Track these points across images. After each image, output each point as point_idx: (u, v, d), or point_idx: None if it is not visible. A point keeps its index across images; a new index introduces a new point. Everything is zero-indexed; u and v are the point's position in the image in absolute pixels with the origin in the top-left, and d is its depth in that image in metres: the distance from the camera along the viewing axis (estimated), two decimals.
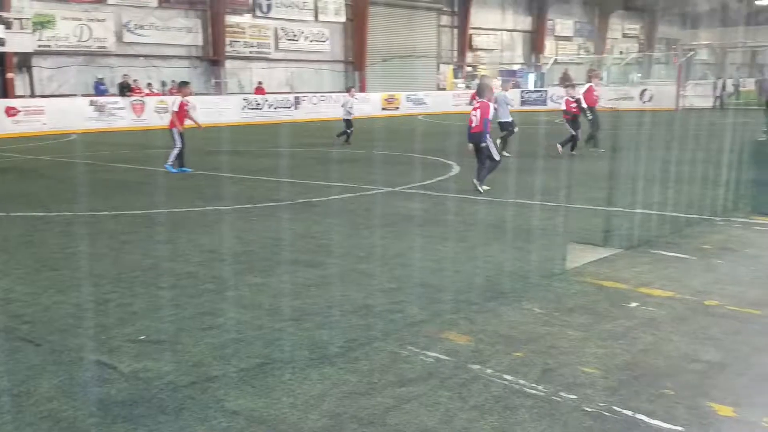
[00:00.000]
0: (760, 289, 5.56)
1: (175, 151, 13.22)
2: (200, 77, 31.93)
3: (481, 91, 10.85)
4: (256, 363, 4.22)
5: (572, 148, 15.01)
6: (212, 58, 32.42)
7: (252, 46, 34.29)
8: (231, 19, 32.77)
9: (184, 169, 13.27)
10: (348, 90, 21.02)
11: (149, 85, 28.96)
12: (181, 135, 13.26)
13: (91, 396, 3.81)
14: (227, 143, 18.51)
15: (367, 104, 32.87)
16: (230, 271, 6.27)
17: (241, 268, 6.37)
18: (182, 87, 14.06)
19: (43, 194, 11.11)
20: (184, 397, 3.75)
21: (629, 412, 3.57)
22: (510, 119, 14.89)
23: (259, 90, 32.30)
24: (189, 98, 14.03)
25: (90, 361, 4.30)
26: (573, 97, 15.30)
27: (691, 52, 35.29)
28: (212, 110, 27.72)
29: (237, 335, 4.69)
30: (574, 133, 15.02)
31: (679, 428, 3.40)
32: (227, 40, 32.62)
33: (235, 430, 3.42)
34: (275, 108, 31.18)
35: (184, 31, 31.45)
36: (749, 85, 36.87)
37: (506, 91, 16.78)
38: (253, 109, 30.39)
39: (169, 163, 13.20)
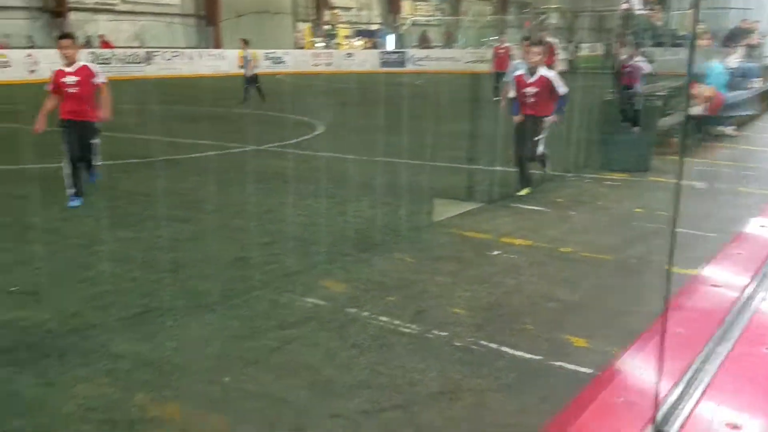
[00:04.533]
0: (610, 237, 6.19)
1: None
2: (41, 30, 29.51)
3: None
4: (135, 312, 4.21)
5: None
6: (54, 9, 30.02)
7: None
8: None
9: None
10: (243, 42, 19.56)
11: None
12: None
13: None
14: None
15: (224, 62, 31.91)
16: (98, 227, 6.08)
17: (109, 223, 6.18)
18: None
19: None
20: (66, 344, 3.71)
21: (494, 345, 3.94)
22: None
23: (105, 44, 30.38)
24: None
25: None
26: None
27: (543, 16, 37.17)
28: (58, 64, 25.80)
29: (112, 287, 4.62)
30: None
31: (539, 357, 3.82)
32: None
33: (121, 372, 3.44)
34: (125, 63, 29.52)
35: None
36: (598, 49, 39.18)
37: None
38: (101, 63, 28.56)
39: None
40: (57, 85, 6.94)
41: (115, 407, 3.13)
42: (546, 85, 7.66)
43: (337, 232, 6.17)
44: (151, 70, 29.97)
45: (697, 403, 1.67)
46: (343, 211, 6.94)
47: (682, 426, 1.59)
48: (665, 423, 1.59)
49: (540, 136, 7.79)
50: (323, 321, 4.21)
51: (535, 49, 7.92)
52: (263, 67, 33.79)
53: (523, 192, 7.76)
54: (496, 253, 5.66)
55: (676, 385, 1.70)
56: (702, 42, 11.27)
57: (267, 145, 11.05)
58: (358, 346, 3.88)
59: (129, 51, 30.40)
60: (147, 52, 30.66)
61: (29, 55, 25.83)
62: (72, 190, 6.80)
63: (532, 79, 7.72)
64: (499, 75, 17.40)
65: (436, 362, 3.71)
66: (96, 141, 7.04)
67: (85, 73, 7.01)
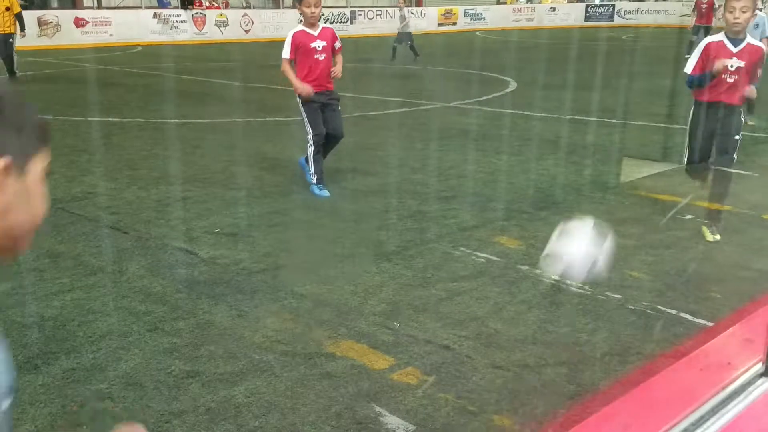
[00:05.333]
0: None
1: None
2: None
3: None
4: (319, 257, 4.54)
5: None
6: None
7: None
8: None
9: None
10: (399, 2, 19.96)
11: None
12: None
13: (177, 276, 4.22)
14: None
15: (423, 20, 32.22)
16: (293, 178, 6.57)
17: (302, 174, 6.64)
18: None
19: (116, 102, 11.54)
20: (257, 281, 4.13)
21: (673, 311, 3.75)
22: None
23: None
24: None
25: (173, 247, 4.71)
26: None
27: None
28: (270, 24, 27.79)
29: (301, 233, 5.02)
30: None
31: None
32: None
33: (303, 309, 3.76)
34: (331, 23, 30.88)
35: None
36: None
37: None
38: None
39: None
40: (305, 51, 5.78)
41: (296, 341, 3.44)
42: (756, 59, 4.80)
43: (518, 189, 6.13)
44: (355, 30, 31.12)
45: None
46: (526, 168, 6.86)
47: None
48: None
49: (737, 137, 4.95)
50: (494, 276, 4.25)
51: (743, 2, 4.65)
52: (462, 24, 33.86)
53: (711, 237, 4.89)
54: (688, 217, 5.31)
55: None
56: None
57: (456, 102, 11.12)
58: (527, 303, 3.89)
59: (336, 11, 31.75)
60: (351, 12, 31.82)
61: (245, 15, 28.00)
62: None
63: (736, 49, 4.78)
64: (703, 29, 15.94)
65: (606, 324, 3.63)
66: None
67: (330, 36, 5.94)
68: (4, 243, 0.86)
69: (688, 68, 4.90)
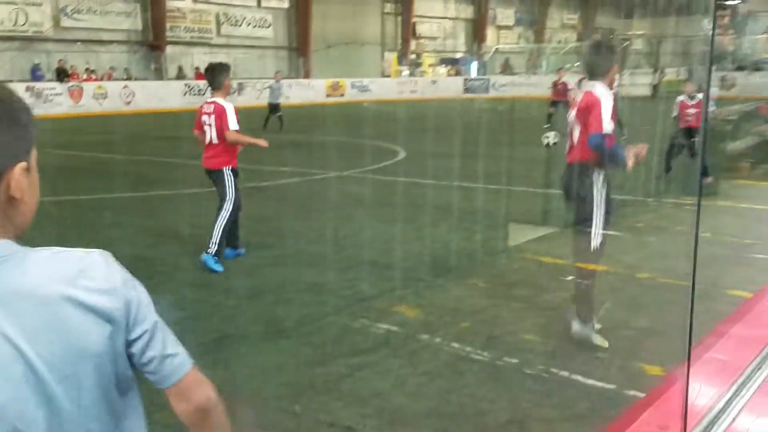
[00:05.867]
0: (688, 262, 5.94)
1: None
2: (140, 62, 31.29)
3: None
4: (213, 338, 4.36)
5: None
6: (152, 43, 31.77)
7: (193, 31, 33.73)
8: (171, 3, 32.14)
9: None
10: (275, 75, 20.98)
11: (88, 70, 28.26)
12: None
13: None
14: (169, 129, 18.32)
15: (311, 91, 32.82)
16: (181, 253, 6.35)
17: (191, 249, 6.45)
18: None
19: None
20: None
21: (566, 373, 3.86)
22: None
23: (200, 76, 31.82)
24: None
25: None
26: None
27: (627, 42, 36.37)
28: (153, 96, 27.37)
29: (192, 312, 4.82)
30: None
31: (612, 386, 3.71)
32: (168, 24, 32.01)
33: None
34: None
35: (123, 15, 30.74)
36: (682, 74, 38.16)
37: None
38: (195, 95, 29.94)
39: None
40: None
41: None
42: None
43: (413, 257, 6.21)
44: (242, 100, 31.11)
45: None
46: (420, 236, 6.98)
47: None
48: None
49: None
50: (395, 347, 4.24)
51: None
52: (350, 96, 34.68)
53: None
54: (570, 278, 5.53)
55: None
56: None
57: (349, 171, 11.25)
58: (429, 374, 3.88)
59: None
60: (239, 83, 31.91)
61: (126, 86, 27.42)
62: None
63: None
64: (555, 103, 18.07)
65: (506, 390, 3.67)
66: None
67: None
68: (24, 226, 1.17)
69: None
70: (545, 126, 16.84)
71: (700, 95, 9.12)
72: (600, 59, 4.28)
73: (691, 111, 9.22)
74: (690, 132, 9.21)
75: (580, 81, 8.66)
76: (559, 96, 17.94)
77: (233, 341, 4.30)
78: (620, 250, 6.34)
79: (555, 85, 18.61)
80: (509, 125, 17.39)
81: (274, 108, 18.80)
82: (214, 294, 5.22)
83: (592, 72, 4.31)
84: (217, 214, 5.88)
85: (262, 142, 6.29)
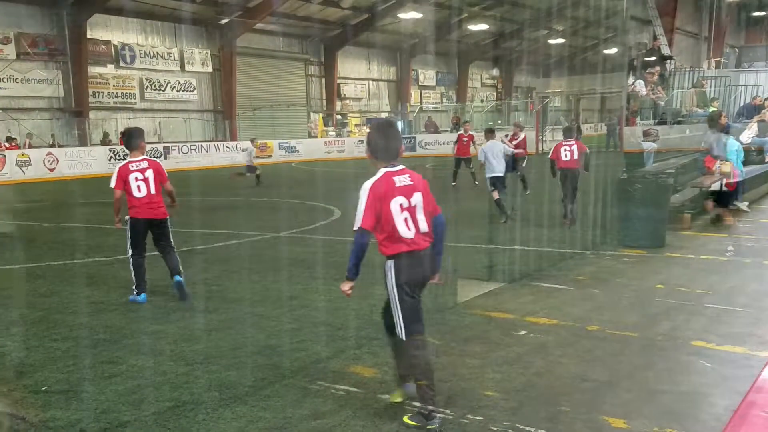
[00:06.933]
0: (634, 313, 6.13)
1: None
2: (63, 129, 30.56)
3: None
4: (167, 406, 4.18)
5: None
6: (75, 109, 31.11)
7: (116, 97, 33.24)
8: (94, 69, 31.66)
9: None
10: (251, 140, 22.15)
11: (9, 138, 27.32)
12: None
13: None
14: (96, 195, 17.81)
15: (240, 153, 32.65)
16: (124, 321, 6.11)
17: (135, 316, 6.22)
18: None
19: None
20: None
21: (531, 429, 3.87)
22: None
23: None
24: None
25: None
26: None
27: (546, 99, 38.06)
28: (77, 162, 26.75)
29: (143, 381, 4.61)
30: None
31: None
32: (90, 91, 31.47)
33: None
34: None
35: (44, 83, 30.11)
36: (602, 129, 40.10)
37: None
38: (120, 159, 29.26)
39: None
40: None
41: None
42: None
43: (363, 315, 6.17)
44: (169, 164, 30.63)
45: None
46: (367, 294, 6.93)
47: None
48: None
49: None
50: (356, 408, 4.17)
51: None
52: (277, 156, 34.66)
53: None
54: (522, 332, 5.62)
55: None
56: (721, 121, 11.42)
57: (285, 231, 11.18)
58: None
59: (148, 146, 31.18)
60: (164, 147, 31.44)
61: (49, 153, 26.64)
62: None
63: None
64: (458, 161, 18.40)
65: None
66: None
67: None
68: None
69: None
70: (453, 184, 17.68)
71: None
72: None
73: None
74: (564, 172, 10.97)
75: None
76: (462, 152, 18.31)
77: (189, 409, 4.13)
78: (568, 303, 6.49)
79: (460, 138, 18.56)
80: (442, 182, 17.69)
81: (251, 169, 20.42)
82: (162, 361, 5.02)
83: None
84: (173, 258, 6.92)
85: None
